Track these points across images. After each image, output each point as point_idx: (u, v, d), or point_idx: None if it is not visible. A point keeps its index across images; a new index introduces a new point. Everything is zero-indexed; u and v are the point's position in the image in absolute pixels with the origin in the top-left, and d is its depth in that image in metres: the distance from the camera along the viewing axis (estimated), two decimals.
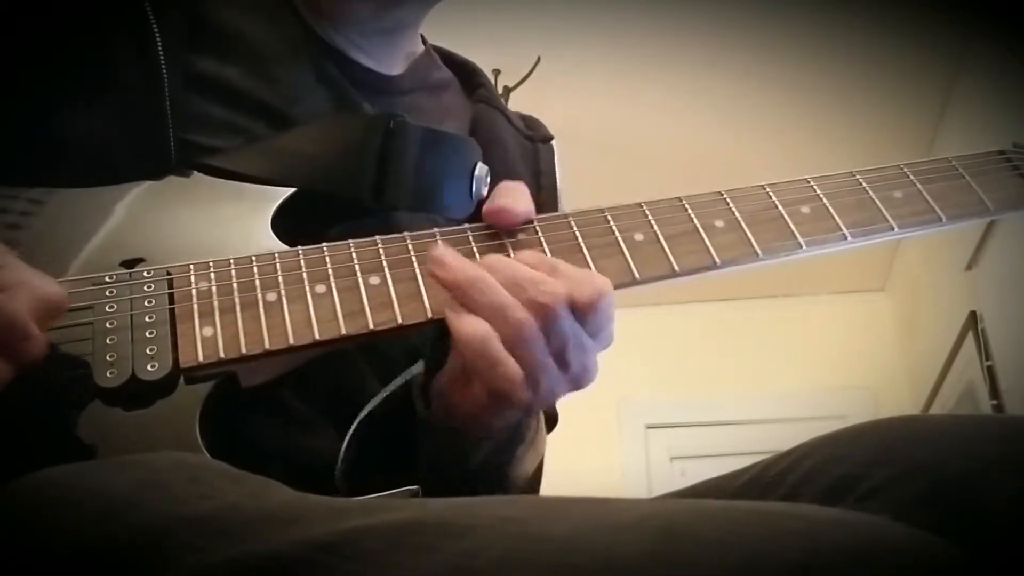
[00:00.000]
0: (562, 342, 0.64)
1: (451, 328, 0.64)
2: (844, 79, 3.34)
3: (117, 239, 0.69)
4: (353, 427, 0.69)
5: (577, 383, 0.66)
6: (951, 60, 3.23)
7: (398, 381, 0.71)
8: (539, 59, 3.21)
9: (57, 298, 0.60)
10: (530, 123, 0.97)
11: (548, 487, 0.86)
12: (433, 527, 0.40)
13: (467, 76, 0.97)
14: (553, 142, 0.95)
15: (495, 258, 0.67)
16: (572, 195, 0.91)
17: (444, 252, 0.66)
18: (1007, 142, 0.84)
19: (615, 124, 3.57)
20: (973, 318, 3.22)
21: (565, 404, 0.75)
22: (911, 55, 3.22)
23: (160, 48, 0.74)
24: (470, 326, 0.63)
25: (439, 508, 0.43)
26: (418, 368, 0.71)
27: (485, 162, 0.83)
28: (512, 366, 0.62)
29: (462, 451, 0.71)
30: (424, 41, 0.96)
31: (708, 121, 3.56)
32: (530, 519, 0.40)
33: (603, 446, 3.92)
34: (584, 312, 0.65)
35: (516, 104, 3.39)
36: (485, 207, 0.72)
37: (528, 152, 0.92)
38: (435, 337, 0.73)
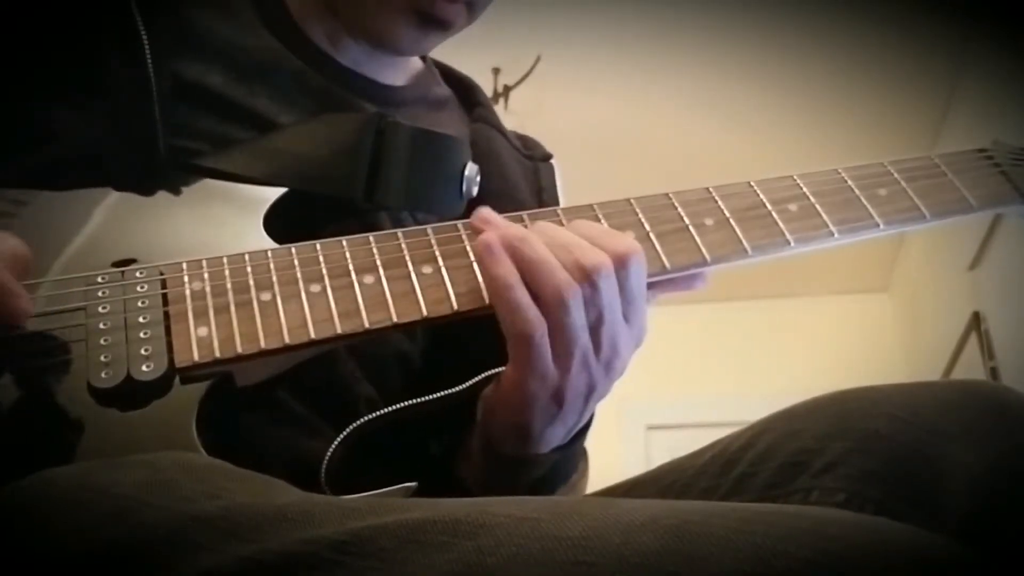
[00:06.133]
0: (598, 312, 0.65)
1: (482, 270, 0.66)
2: (847, 80, 3.34)
3: (105, 239, 0.69)
4: (344, 433, 0.69)
5: (609, 365, 0.66)
6: (953, 60, 3.23)
7: (403, 405, 0.71)
8: (539, 58, 3.21)
9: (23, 249, 0.62)
10: (527, 143, 0.97)
11: None
12: (445, 525, 0.41)
13: (465, 93, 0.97)
14: (553, 160, 0.95)
15: (542, 223, 0.69)
16: (571, 194, 0.91)
17: (491, 213, 0.69)
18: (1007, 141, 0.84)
19: (614, 123, 3.57)
20: (976, 319, 3.21)
21: None
22: (913, 55, 3.21)
23: (148, 54, 0.74)
24: (501, 267, 0.64)
25: (451, 507, 0.43)
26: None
27: (485, 180, 0.83)
28: (534, 311, 0.63)
29: (509, 472, 0.71)
30: (425, 57, 0.95)
31: (709, 121, 3.55)
32: (543, 518, 0.40)
33: (603, 446, 3.90)
34: (623, 267, 0.65)
35: (516, 103, 3.39)
36: (476, 211, 0.72)
37: (528, 170, 0.92)
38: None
